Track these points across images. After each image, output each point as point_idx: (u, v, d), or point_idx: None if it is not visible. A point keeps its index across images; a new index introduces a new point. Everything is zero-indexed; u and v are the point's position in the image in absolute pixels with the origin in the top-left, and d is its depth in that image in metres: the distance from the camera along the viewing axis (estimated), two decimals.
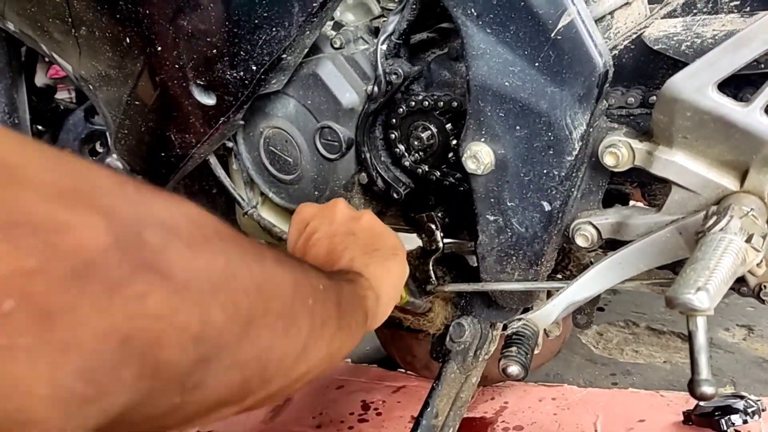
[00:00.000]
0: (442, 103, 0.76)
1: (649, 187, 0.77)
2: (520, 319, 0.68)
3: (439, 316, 0.89)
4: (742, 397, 0.97)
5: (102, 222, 0.27)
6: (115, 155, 1.47)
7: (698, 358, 0.44)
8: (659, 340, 1.28)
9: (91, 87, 0.93)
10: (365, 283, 0.60)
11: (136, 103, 0.87)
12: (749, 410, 0.94)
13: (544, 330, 0.84)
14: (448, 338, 0.83)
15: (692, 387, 0.44)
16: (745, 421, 0.94)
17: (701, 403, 1.00)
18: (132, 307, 0.27)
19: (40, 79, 1.41)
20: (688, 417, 1.02)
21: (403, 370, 1.24)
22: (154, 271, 0.29)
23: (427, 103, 0.76)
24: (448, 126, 0.77)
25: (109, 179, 0.30)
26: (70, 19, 0.85)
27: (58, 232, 0.26)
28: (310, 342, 0.43)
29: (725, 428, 0.94)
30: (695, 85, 0.52)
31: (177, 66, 0.79)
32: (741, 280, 0.60)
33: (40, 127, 1.42)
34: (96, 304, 0.26)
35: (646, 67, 0.65)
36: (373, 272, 0.62)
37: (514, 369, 0.66)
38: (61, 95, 1.50)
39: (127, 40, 0.81)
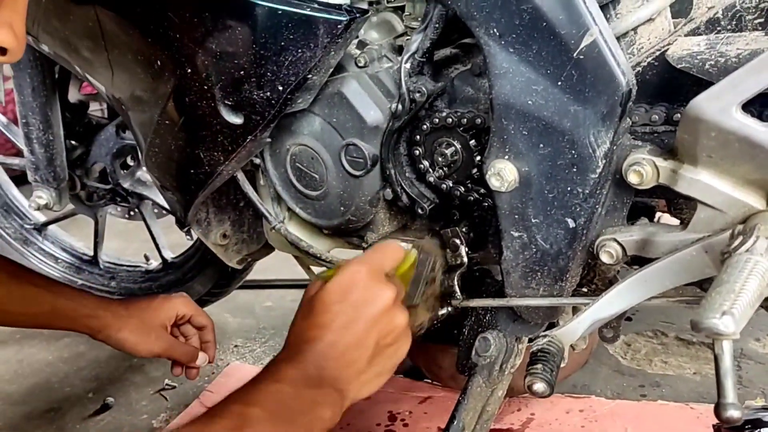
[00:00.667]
0: (465, 120, 0.76)
1: (675, 201, 0.77)
2: (545, 336, 0.68)
3: (417, 321, 0.86)
4: None
5: None
6: (144, 169, 1.50)
7: (724, 382, 0.44)
8: (689, 351, 1.27)
9: (123, 107, 0.96)
10: (337, 414, 0.65)
11: (166, 122, 0.89)
12: None
13: (571, 345, 0.84)
14: (474, 352, 0.84)
15: (718, 411, 0.44)
16: None
17: None
18: None
19: (74, 96, 1.45)
20: (718, 430, 1.00)
21: (429, 381, 1.25)
22: None
23: (450, 120, 0.77)
24: (472, 142, 0.78)
25: None
26: (103, 42, 0.87)
27: None
28: None
29: None
30: (719, 106, 0.52)
31: (206, 87, 0.81)
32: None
33: (73, 142, 1.46)
34: None
35: (670, 84, 0.65)
36: (357, 392, 0.67)
37: (539, 386, 0.66)
38: (93, 107, 1.53)
39: (158, 62, 0.83)
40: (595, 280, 0.85)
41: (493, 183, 0.71)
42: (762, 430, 0.94)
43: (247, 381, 0.64)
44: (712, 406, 1.07)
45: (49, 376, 1.46)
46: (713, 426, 1.02)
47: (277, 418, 0.60)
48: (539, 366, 0.67)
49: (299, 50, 0.74)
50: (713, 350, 0.45)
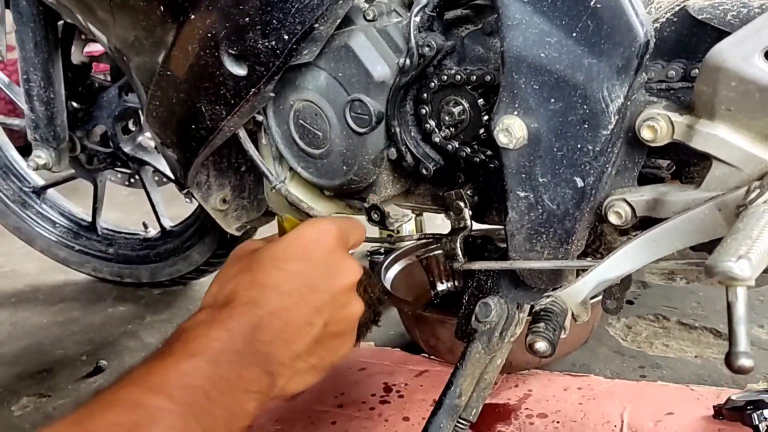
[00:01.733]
0: (475, 77, 0.74)
1: (686, 169, 0.75)
2: (549, 296, 0.67)
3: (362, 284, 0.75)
4: None
5: None
6: (147, 133, 1.49)
7: (737, 330, 0.42)
8: (690, 335, 1.25)
9: (124, 58, 0.94)
10: (259, 406, 0.52)
11: (168, 73, 0.87)
12: None
13: (572, 315, 0.82)
14: (473, 318, 0.82)
15: (730, 360, 0.42)
16: None
17: (732, 397, 0.98)
18: None
19: (77, 57, 1.43)
20: (719, 411, 0.99)
21: (426, 355, 1.23)
22: None
23: (459, 77, 0.75)
24: (480, 101, 0.76)
25: None
26: None
27: None
28: None
29: (757, 423, 0.91)
30: (741, 53, 0.50)
31: (209, 35, 0.79)
32: None
33: (75, 104, 1.44)
34: None
35: (689, 40, 0.63)
36: (287, 383, 0.55)
37: (541, 345, 0.64)
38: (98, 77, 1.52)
39: (161, 8, 0.81)
40: (601, 249, 0.83)
41: (501, 140, 0.69)
42: (764, 411, 0.93)
43: (153, 352, 0.51)
44: (713, 388, 1.06)
45: (42, 339, 1.44)
46: (713, 407, 1.00)
47: (187, 411, 0.46)
48: (541, 325, 0.65)
49: None
50: (726, 297, 0.43)
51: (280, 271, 0.56)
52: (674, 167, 0.77)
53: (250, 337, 0.52)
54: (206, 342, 0.51)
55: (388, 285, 1.29)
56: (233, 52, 0.79)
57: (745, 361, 0.42)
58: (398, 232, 1.62)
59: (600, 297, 0.85)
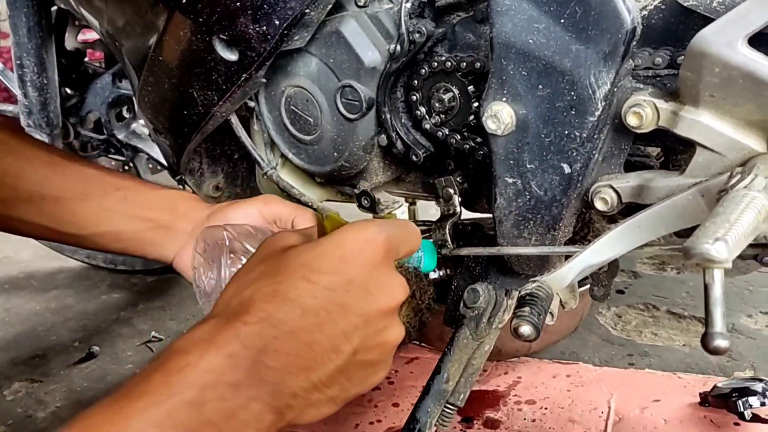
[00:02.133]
0: (465, 63, 0.75)
1: (674, 156, 0.76)
2: (534, 281, 0.67)
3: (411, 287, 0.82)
4: (761, 380, 0.95)
5: None
6: (141, 120, 1.49)
7: (713, 311, 0.43)
8: (679, 324, 1.26)
9: (116, 44, 0.94)
10: (268, 426, 0.44)
11: (160, 58, 0.87)
12: (767, 393, 0.92)
13: (560, 302, 0.83)
14: (461, 304, 0.83)
15: (705, 340, 0.43)
16: (763, 404, 0.92)
17: (718, 385, 0.99)
18: None
19: (71, 43, 1.43)
20: (705, 398, 1.00)
21: (416, 342, 1.24)
22: None
23: (449, 63, 0.75)
24: (470, 88, 0.76)
25: None
26: None
27: None
28: None
29: (742, 410, 0.92)
30: (725, 39, 0.51)
31: (200, 20, 0.79)
32: (764, 246, 0.59)
33: (68, 90, 1.44)
34: None
35: (676, 27, 0.63)
36: (295, 415, 0.46)
37: (526, 329, 0.65)
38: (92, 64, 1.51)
39: None
40: (589, 236, 0.84)
41: (489, 126, 0.69)
42: (749, 398, 0.94)
43: (127, 381, 0.42)
44: (700, 375, 1.07)
45: (35, 325, 1.45)
46: (699, 394, 1.01)
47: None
48: (526, 309, 0.66)
49: None
50: (704, 279, 0.43)
51: (308, 283, 0.46)
52: (663, 156, 0.78)
53: (256, 363, 0.43)
54: (194, 376, 0.41)
55: None
56: (224, 38, 0.79)
57: (720, 342, 0.42)
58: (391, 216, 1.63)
59: (588, 285, 0.86)
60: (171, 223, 0.76)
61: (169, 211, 0.77)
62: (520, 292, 0.70)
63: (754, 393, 0.93)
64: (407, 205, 1.53)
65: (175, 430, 0.39)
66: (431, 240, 0.80)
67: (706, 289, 0.43)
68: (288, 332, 0.45)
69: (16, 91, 1.33)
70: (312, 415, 0.47)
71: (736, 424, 0.94)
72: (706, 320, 0.43)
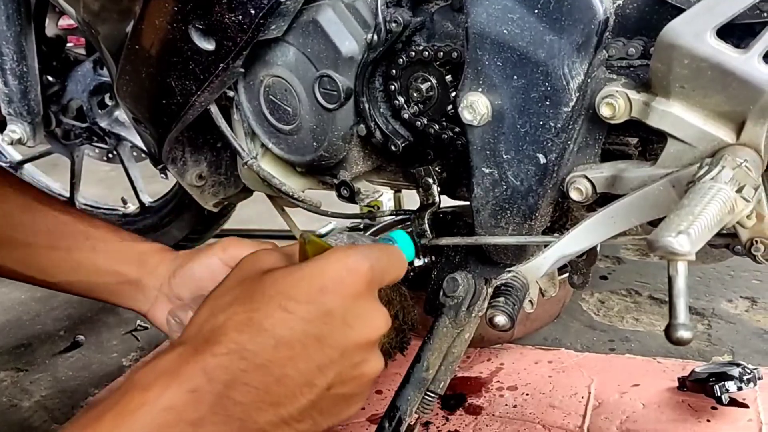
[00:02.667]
0: (442, 53, 0.74)
1: (649, 146, 0.76)
2: (509, 271, 0.68)
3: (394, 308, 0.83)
4: (738, 365, 0.97)
5: None
6: (120, 104, 1.47)
7: (677, 303, 0.43)
8: (661, 310, 1.27)
9: (93, 31, 0.93)
10: None
11: (137, 47, 0.86)
12: (744, 377, 0.94)
13: (540, 290, 0.83)
14: (441, 292, 0.83)
15: (669, 332, 0.43)
16: (739, 388, 0.94)
17: (696, 369, 1.00)
18: None
19: (51, 30, 1.42)
20: (683, 383, 1.01)
21: None
22: None
23: (427, 53, 0.75)
24: (448, 78, 0.76)
25: None
26: None
27: None
28: None
29: (719, 394, 0.94)
30: (693, 31, 0.51)
31: (176, 8, 0.78)
32: (733, 236, 0.59)
33: (50, 78, 1.43)
34: None
35: (650, 17, 0.63)
36: None
37: (500, 319, 0.66)
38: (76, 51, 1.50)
39: None
40: (567, 225, 0.84)
41: (466, 116, 0.69)
42: (725, 383, 0.95)
43: (77, 415, 0.42)
44: (679, 360, 1.08)
45: (20, 314, 1.45)
46: (678, 379, 1.03)
47: None
48: (501, 299, 0.67)
49: None
50: (668, 271, 0.44)
51: (284, 312, 0.44)
52: (640, 145, 0.79)
53: (222, 397, 0.41)
54: (150, 416, 0.39)
55: None
56: (200, 27, 0.79)
57: (683, 333, 0.43)
58: (378, 208, 1.63)
59: (567, 273, 0.87)
60: (139, 279, 0.73)
61: (138, 264, 0.74)
62: (495, 282, 0.70)
63: (731, 378, 0.94)
64: (393, 192, 1.53)
65: None
66: (408, 231, 0.80)
67: (670, 280, 0.44)
68: (259, 365, 0.42)
69: None
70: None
71: (714, 408, 0.96)
72: (670, 311, 0.44)
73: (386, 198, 1.69)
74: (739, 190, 0.49)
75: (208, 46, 0.80)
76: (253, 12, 0.75)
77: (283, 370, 0.43)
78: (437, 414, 0.99)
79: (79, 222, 0.75)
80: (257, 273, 0.48)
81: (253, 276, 0.48)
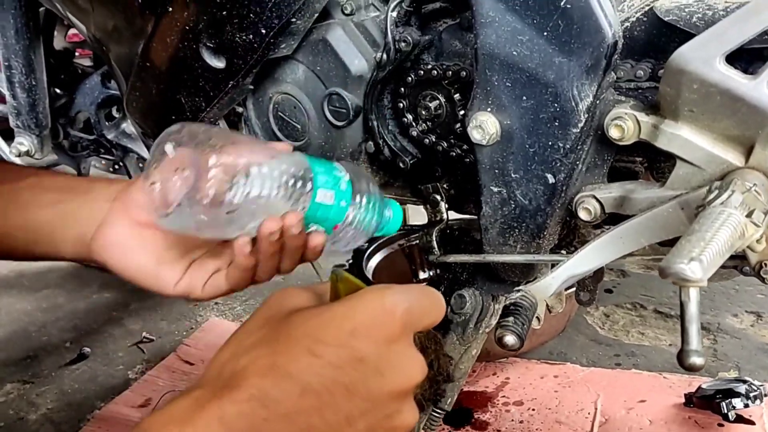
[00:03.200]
0: (451, 72, 0.75)
1: (657, 165, 0.76)
2: (518, 290, 0.68)
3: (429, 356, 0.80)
4: (744, 382, 0.97)
5: None
6: (129, 119, 1.48)
7: (689, 329, 0.44)
8: (666, 324, 1.27)
9: (104, 48, 0.94)
10: None
11: (147, 64, 0.87)
12: (751, 394, 0.94)
13: (547, 306, 0.84)
14: (448, 309, 0.83)
15: (681, 357, 0.44)
16: (746, 405, 0.94)
17: (703, 386, 1.00)
18: None
19: (59, 43, 1.43)
20: (690, 399, 1.01)
21: None
22: None
23: (436, 72, 0.76)
24: (457, 96, 0.77)
25: None
26: None
27: None
28: None
29: (726, 411, 0.94)
30: (703, 57, 0.51)
31: (187, 27, 0.79)
32: (742, 258, 0.60)
33: (58, 90, 1.44)
34: None
35: (658, 40, 0.64)
36: None
37: (510, 339, 0.66)
38: (82, 62, 1.51)
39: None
40: (575, 242, 0.84)
41: (475, 136, 0.70)
42: (732, 399, 0.95)
43: None
44: (685, 375, 1.08)
45: (27, 325, 1.45)
46: (684, 395, 1.03)
47: None
48: (510, 319, 0.67)
49: None
50: (680, 297, 0.44)
51: (312, 357, 0.40)
52: (647, 164, 0.79)
53: None
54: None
55: (369, 274, 1.30)
56: (211, 45, 0.79)
57: (696, 359, 0.43)
58: None
59: (574, 288, 0.87)
60: (89, 191, 0.64)
61: (87, 182, 0.66)
62: (504, 301, 0.70)
63: (738, 394, 0.94)
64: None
65: None
66: (413, 244, 0.80)
67: (682, 306, 0.44)
68: (282, 414, 0.39)
69: (5, 92, 1.33)
70: None
71: (720, 425, 0.96)
72: (682, 337, 0.44)
73: None
74: (749, 215, 0.50)
75: (219, 64, 0.80)
76: (263, 31, 0.75)
77: (308, 420, 0.39)
78: (444, 430, 0.99)
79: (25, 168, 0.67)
80: (284, 313, 0.44)
81: (279, 316, 0.44)
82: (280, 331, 0.42)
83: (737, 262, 0.63)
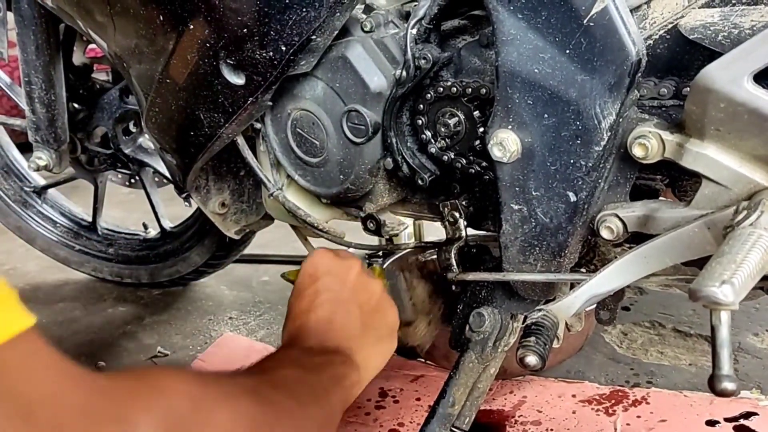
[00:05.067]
0: (470, 89, 0.75)
1: (679, 183, 0.76)
2: (540, 310, 0.67)
3: (419, 330, 0.92)
4: None
5: None
6: (147, 135, 1.49)
7: (720, 353, 0.43)
8: (685, 343, 1.25)
9: (124, 65, 0.95)
10: (352, 372, 0.65)
11: (167, 81, 0.88)
12: None
13: (566, 324, 0.83)
14: (467, 328, 0.83)
15: (713, 383, 0.43)
16: None
17: None
18: None
19: (78, 58, 1.44)
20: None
21: (422, 360, 1.24)
22: None
23: (455, 89, 0.76)
24: (476, 113, 0.76)
25: None
26: None
27: None
28: None
29: None
30: (730, 76, 0.51)
31: (208, 45, 0.79)
32: None
33: (76, 105, 1.45)
34: None
35: (681, 58, 0.63)
36: (364, 356, 0.68)
37: (531, 359, 0.65)
38: (99, 77, 1.52)
39: (160, 17, 0.81)
40: (595, 260, 0.84)
41: (495, 153, 0.69)
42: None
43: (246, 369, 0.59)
44: (706, 394, 1.06)
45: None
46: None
47: (297, 390, 0.56)
48: (532, 339, 0.66)
49: (304, 9, 0.73)
50: (711, 321, 0.43)
51: (304, 298, 0.71)
52: (668, 182, 0.78)
53: (317, 342, 0.65)
54: (288, 355, 0.63)
55: None
56: (231, 62, 0.80)
57: (728, 385, 0.42)
58: (397, 236, 1.63)
59: (594, 307, 0.86)
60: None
61: None
62: (525, 321, 0.70)
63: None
64: (412, 220, 1.53)
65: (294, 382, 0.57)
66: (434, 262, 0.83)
67: (713, 330, 0.43)
68: (318, 320, 0.68)
69: (24, 106, 1.34)
70: (375, 357, 0.70)
71: None
72: (714, 362, 0.43)
73: (405, 233, 1.68)
74: None
75: (238, 80, 0.81)
76: (283, 48, 0.76)
77: (331, 313, 0.69)
78: None
79: None
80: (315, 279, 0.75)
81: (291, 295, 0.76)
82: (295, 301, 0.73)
83: (764, 282, 0.62)
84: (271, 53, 0.77)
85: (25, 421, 0.31)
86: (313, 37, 0.75)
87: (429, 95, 0.78)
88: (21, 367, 0.33)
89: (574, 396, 1.10)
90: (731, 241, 0.47)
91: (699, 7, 0.64)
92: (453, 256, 0.82)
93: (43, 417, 0.32)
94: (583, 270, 0.82)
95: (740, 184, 0.56)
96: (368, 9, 0.81)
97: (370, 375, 0.70)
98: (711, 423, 0.99)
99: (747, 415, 0.94)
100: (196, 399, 0.44)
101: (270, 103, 0.84)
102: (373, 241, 1.52)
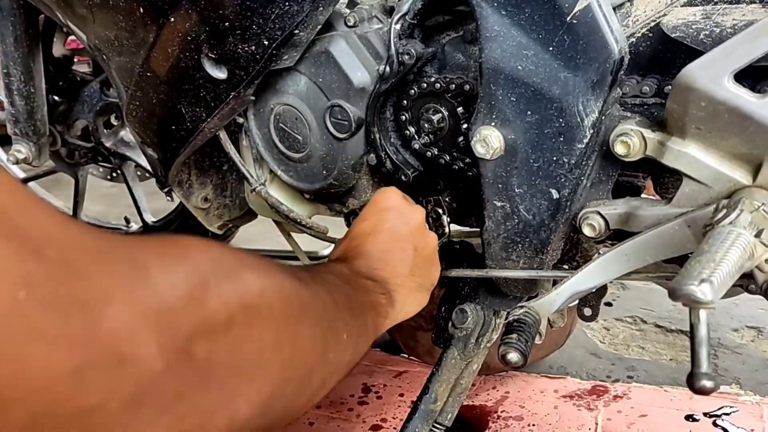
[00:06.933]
0: (454, 85, 0.75)
1: (661, 180, 0.76)
2: (522, 307, 0.67)
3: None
4: None
5: (155, 349, 0.31)
6: (128, 128, 1.47)
7: (699, 351, 0.43)
8: (666, 338, 1.27)
9: (104, 57, 0.93)
10: (389, 308, 0.65)
11: (148, 74, 0.86)
12: None
13: (548, 321, 0.83)
14: (450, 324, 0.83)
15: (691, 381, 0.43)
16: None
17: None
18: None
19: (58, 50, 1.42)
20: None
21: (405, 355, 1.24)
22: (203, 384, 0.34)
23: (439, 85, 0.75)
24: (460, 109, 0.76)
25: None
26: None
27: (119, 365, 0.29)
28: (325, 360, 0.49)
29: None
30: (711, 75, 0.51)
31: (189, 38, 0.78)
32: (749, 277, 0.59)
33: (56, 97, 1.42)
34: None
35: (663, 56, 0.63)
36: (403, 297, 0.68)
37: (513, 356, 0.65)
38: (79, 69, 1.50)
39: (140, 9, 0.80)
40: (577, 257, 0.84)
41: (478, 150, 0.69)
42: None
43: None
44: (686, 389, 1.07)
45: None
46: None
47: (335, 293, 0.55)
48: (514, 336, 0.66)
49: (286, 3, 0.72)
50: (690, 319, 0.44)
51: (369, 220, 0.72)
52: (650, 178, 0.79)
53: (366, 265, 0.66)
54: (336, 267, 0.64)
55: None
56: (213, 56, 0.79)
57: (706, 382, 0.43)
58: None
59: (576, 303, 0.87)
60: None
61: None
62: (507, 317, 0.70)
63: None
64: None
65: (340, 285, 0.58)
66: None
67: (692, 328, 0.44)
68: (375, 243, 0.69)
69: (3, 99, 1.32)
70: (412, 301, 0.69)
71: None
72: (692, 360, 0.44)
73: None
74: (758, 235, 0.49)
75: (220, 74, 0.80)
76: (266, 43, 0.75)
77: (389, 242, 0.70)
78: None
79: None
80: (379, 212, 0.75)
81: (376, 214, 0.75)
82: (375, 229, 0.73)
83: (744, 281, 0.62)
84: (254, 47, 0.76)
85: (37, 258, 0.29)
86: (296, 31, 0.74)
87: (412, 91, 0.77)
88: (24, 209, 0.30)
89: (556, 391, 1.11)
90: (711, 240, 0.47)
91: (681, 6, 0.64)
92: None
93: (53, 254, 0.29)
94: (565, 267, 0.82)
95: (720, 182, 0.56)
96: (352, 4, 0.81)
97: (400, 318, 0.69)
98: (691, 417, 1.01)
99: (726, 410, 0.95)
100: (223, 260, 0.40)
101: (253, 98, 0.83)
102: None
